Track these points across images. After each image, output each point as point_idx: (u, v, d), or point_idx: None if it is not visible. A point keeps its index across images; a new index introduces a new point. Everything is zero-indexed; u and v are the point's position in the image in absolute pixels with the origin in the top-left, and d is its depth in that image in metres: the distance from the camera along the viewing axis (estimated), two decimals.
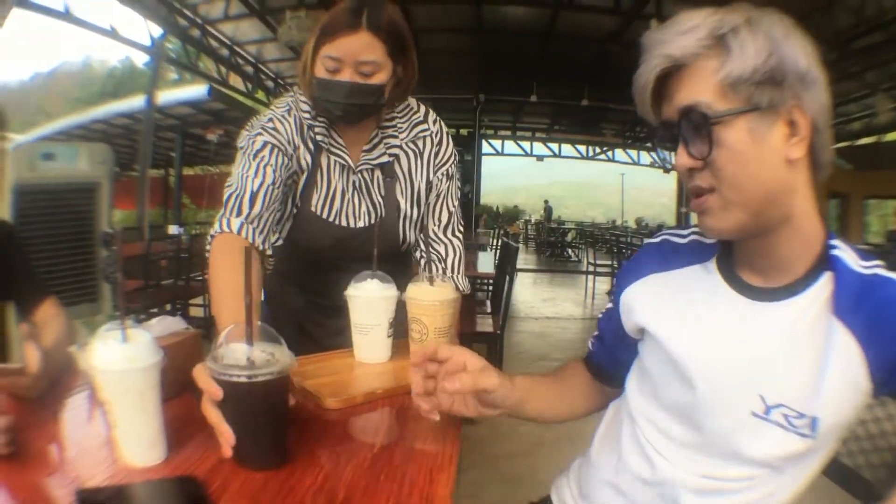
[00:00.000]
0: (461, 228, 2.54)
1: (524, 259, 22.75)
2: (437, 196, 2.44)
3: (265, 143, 2.13)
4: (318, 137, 2.25)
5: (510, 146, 32.17)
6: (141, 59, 64.93)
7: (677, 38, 1.28)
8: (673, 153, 1.35)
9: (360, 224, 2.33)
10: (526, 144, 32.08)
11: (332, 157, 2.29)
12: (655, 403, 1.55)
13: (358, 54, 2.05)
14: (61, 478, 1.28)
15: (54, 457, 1.42)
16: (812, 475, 1.40)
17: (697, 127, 1.27)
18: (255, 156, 2.10)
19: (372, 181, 2.34)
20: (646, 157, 32.75)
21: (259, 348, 1.35)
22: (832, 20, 10.92)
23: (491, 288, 7.78)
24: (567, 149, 32.54)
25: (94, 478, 1.28)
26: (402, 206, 2.36)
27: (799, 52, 1.25)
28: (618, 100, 18.06)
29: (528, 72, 16.77)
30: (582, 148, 32.88)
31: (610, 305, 1.72)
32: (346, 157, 2.29)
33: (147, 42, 13.11)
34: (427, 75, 17.00)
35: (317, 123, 2.24)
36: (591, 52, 15.17)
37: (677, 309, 1.49)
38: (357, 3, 2.05)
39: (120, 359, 1.27)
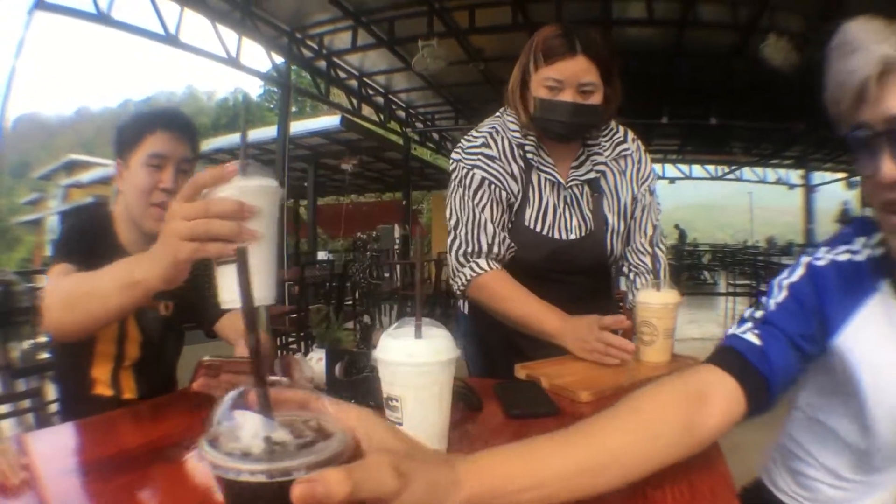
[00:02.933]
0: (664, 240, 2.73)
1: None
2: (643, 210, 2.62)
3: (483, 179, 2.32)
4: (528, 156, 2.41)
5: None
6: (254, 91, 66.48)
7: (887, 38, 1.20)
8: (865, 157, 1.28)
9: (573, 236, 2.46)
10: (657, 167, 31.65)
11: (543, 175, 2.43)
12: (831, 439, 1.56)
13: (578, 77, 2.24)
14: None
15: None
16: None
17: None
18: (476, 194, 2.32)
19: (581, 196, 2.48)
20: (771, 174, 32.09)
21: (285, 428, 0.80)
22: None
23: None
24: (697, 170, 32.08)
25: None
26: (610, 219, 2.50)
27: None
28: (744, 116, 17.81)
29: (657, 93, 16.56)
30: (711, 168, 32.39)
31: (779, 300, 1.48)
32: (556, 174, 2.43)
33: (265, 72, 13.45)
34: None
35: (527, 142, 2.39)
36: (715, 70, 14.91)
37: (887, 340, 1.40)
38: (569, 30, 2.27)
39: (424, 352, 1.32)
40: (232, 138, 20.66)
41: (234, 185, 1.33)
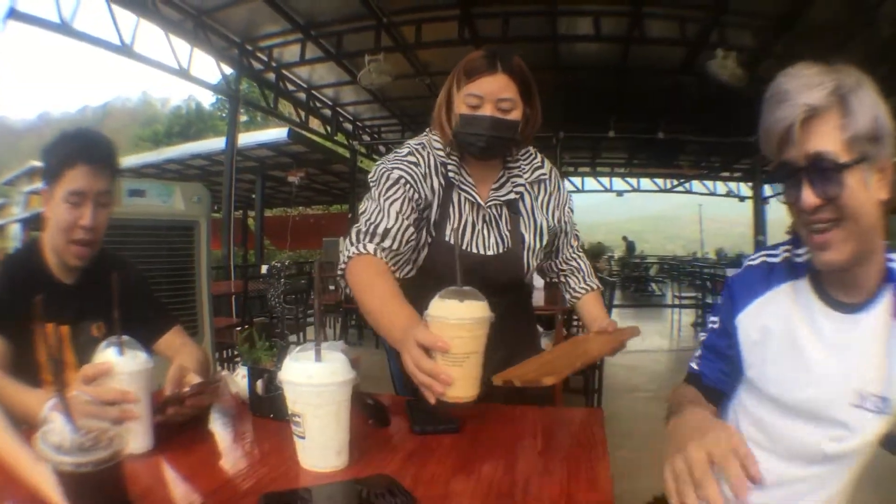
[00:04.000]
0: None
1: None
2: (567, 224, 2.77)
3: (400, 177, 2.36)
4: (450, 174, 2.47)
5: (590, 182, 32.01)
6: (207, 99, 65.99)
7: (810, 89, 1.51)
8: (788, 188, 1.61)
9: (490, 252, 2.50)
10: (605, 180, 31.93)
11: (463, 194, 2.49)
12: (769, 405, 1.83)
13: (497, 93, 2.34)
14: (242, 485, 1.47)
15: (224, 470, 1.63)
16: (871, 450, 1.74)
17: (826, 172, 1.51)
18: (389, 189, 2.35)
19: (500, 216, 2.55)
20: (721, 186, 32.42)
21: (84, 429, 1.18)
22: (877, 34, 10.68)
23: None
24: (645, 182, 32.33)
25: (275, 484, 1.47)
26: (527, 238, 2.57)
27: (885, 111, 1.53)
28: (692, 130, 18.16)
29: (605, 108, 16.71)
30: (660, 181, 32.64)
31: (715, 325, 1.98)
32: (475, 195, 2.49)
33: (215, 81, 13.48)
34: None
35: (449, 161, 2.47)
36: (663, 84, 15.07)
37: (782, 327, 1.79)
38: (492, 52, 2.39)
39: (320, 374, 1.50)
40: (181, 149, 20.58)
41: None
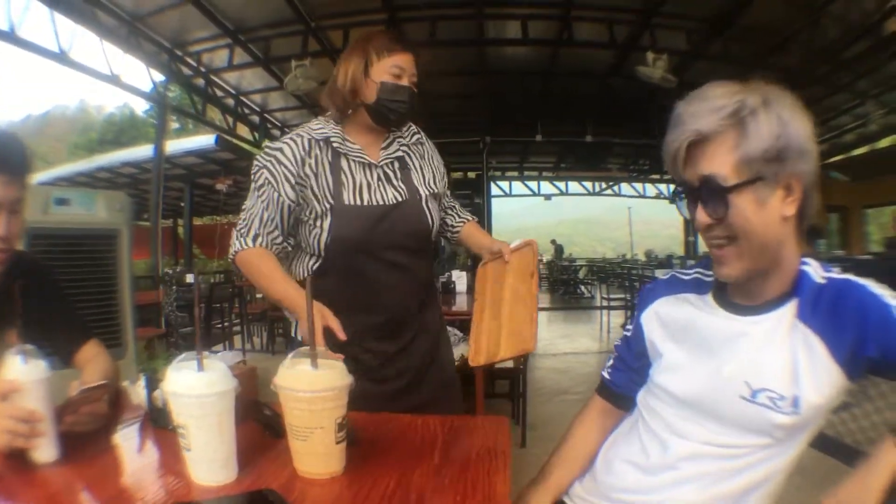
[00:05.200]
0: None
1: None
2: (445, 186, 2.94)
3: (266, 180, 2.51)
4: (334, 145, 2.61)
5: (518, 187, 32.13)
6: (140, 107, 65.05)
7: (706, 114, 1.56)
8: (689, 205, 1.69)
9: (391, 202, 2.61)
10: (533, 184, 32.01)
11: (352, 160, 2.62)
12: (668, 400, 1.85)
13: (411, 69, 2.61)
14: (133, 498, 1.43)
15: (119, 482, 1.57)
16: (801, 446, 1.70)
17: (714, 193, 1.56)
18: (257, 190, 2.53)
19: (392, 172, 2.70)
20: (651, 189, 32.78)
21: None
22: (821, 33, 10.97)
23: None
24: (574, 186, 32.52)
25: (164, 499, 1.42)
26: (421, 190, 2.71)
27: (801, 130, 1.56)
28: (621, 133, 18.33)
29: (532, 112, 16.81)
30: (588, 184, 32.85)
31: (628, 333, 2.07)
32: (366, 156, 2.64)
33: (147, 89, 13.29)
34: (434, 119, 17.03)
35: (332, 134, 2.62)
36: (591, 88, 15.26)
37: (680, 324, 1.86)
38: (399, 33, 2.70)
39: (200, 384, 1.45)
40: (113, 156, 20.22)
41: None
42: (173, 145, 16.55)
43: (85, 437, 1.81)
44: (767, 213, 1.57)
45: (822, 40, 11.14)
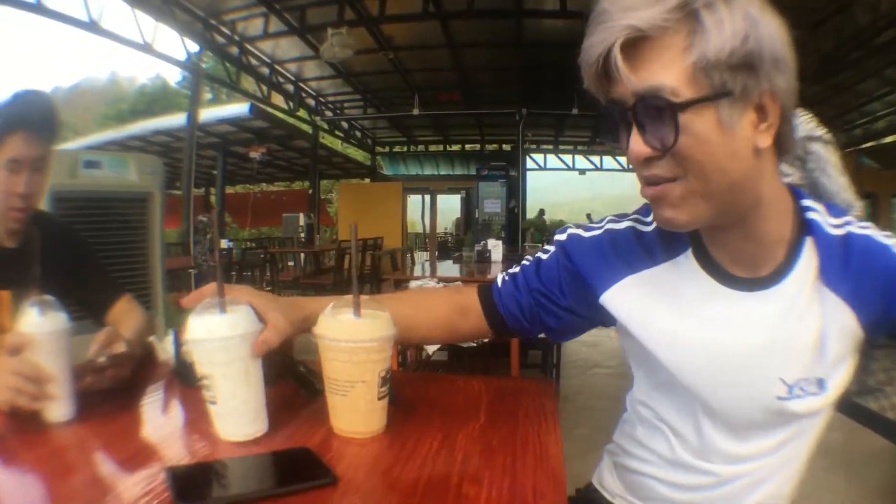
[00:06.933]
0: None
1: None
2: None
3: None
4: None
5: (552, 160, 31.97)
6: (173, 77, 65.31)
7: (643, 6, 1.13)
8: (617, 133, 1.28)
9: None
10: (568, 158, 31.89)
11: None
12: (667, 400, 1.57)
13: None
14: (153, 457, 1.35)
15: (138, 442, 1.49)
16: (826, 419, 1.45)
17: (659, 113, 1.16)
18: None
19: None
20: None
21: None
22: (852, 20, 10.79)
23: None
24: (608, 161, 32.34)
25: (188, 457, 1.35)
26: None
27: (775, 32, 1.16)
28: None
29: (568, 84, 16.68)
30: (623, 159, 32.66)
31: (545, 256, 1.69)
32: None
33: (181, 58, 13.27)
34: (470, 91, 16.91)
35: None
36: None
37: (668, 313, 1.46)
38: None
39: (223, 327, 1.33)
40: (144, 125, 20.30)
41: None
42: (207, 113, 16.61)
43: (105, 395, 1.74)
44: (734, 142, 1.18)
45: (852, 26, 10.96)
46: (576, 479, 1.47)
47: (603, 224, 1.60)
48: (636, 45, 1.15)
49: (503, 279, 1.73)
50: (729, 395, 1.41)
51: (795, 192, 1.39)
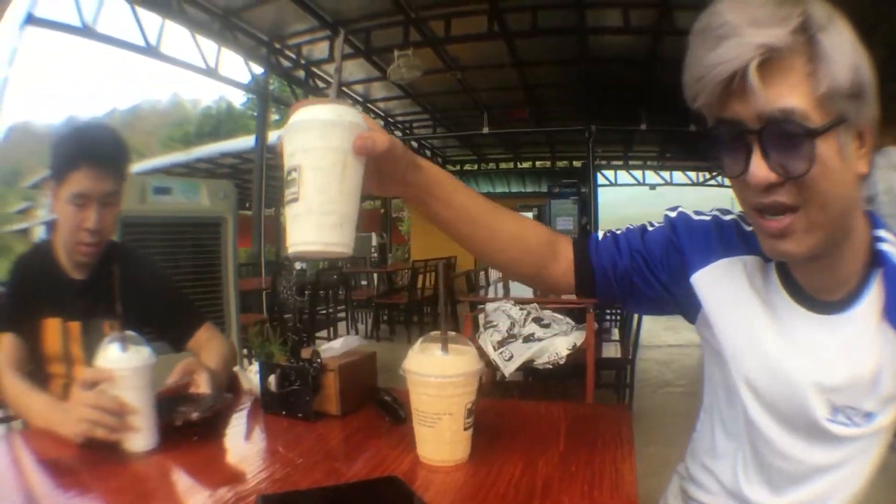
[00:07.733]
0: None
1: None
2: None
3: None
4: None
5: (623, 176, 31.76)
6: (237, 99, 65.99)
7: (772, 23, 1.11)
8: (730, 154, 1.25)
9: None
10: (638, 174, 31.67)
11: None
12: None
13: None
14: (241, 484, 1.41)
15: (219, 473, 1.56)
16: (885, 444, 1.41)
17: (791, 138, 1.14)
18: None
19: None
20: None
21: None
22: None
23: (617, 316, 8.02)
24: (678, 176, 32.05)
25: (273, 486, 1.39)
26: None
27: (867, 60, 1.17)
28: None
29: (636, 100, 16.58)
30: (692, 174, 32.35)
31: (651, 227, 1.64)
32: None
33: (245, 80, 13.50)
34: (538, 108, 16.90)
35: None
36: None
37: (747, 308, 1.45)
38: None
39: (326, 112, 1.19)
40: (211, 147, 20.59)
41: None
42: (275, 135, 16.72)
43: (189, 425, 1.77)
44: (848, 170, 1.19)
45: None
46: (645, 497, 1.47)
47: (711, 213, 1.60)
48: (763, 63, 1.12)
49: (604, 234, 1.64)
50: (779, 398, 1.42)
51: (872, 220, 1.37)
